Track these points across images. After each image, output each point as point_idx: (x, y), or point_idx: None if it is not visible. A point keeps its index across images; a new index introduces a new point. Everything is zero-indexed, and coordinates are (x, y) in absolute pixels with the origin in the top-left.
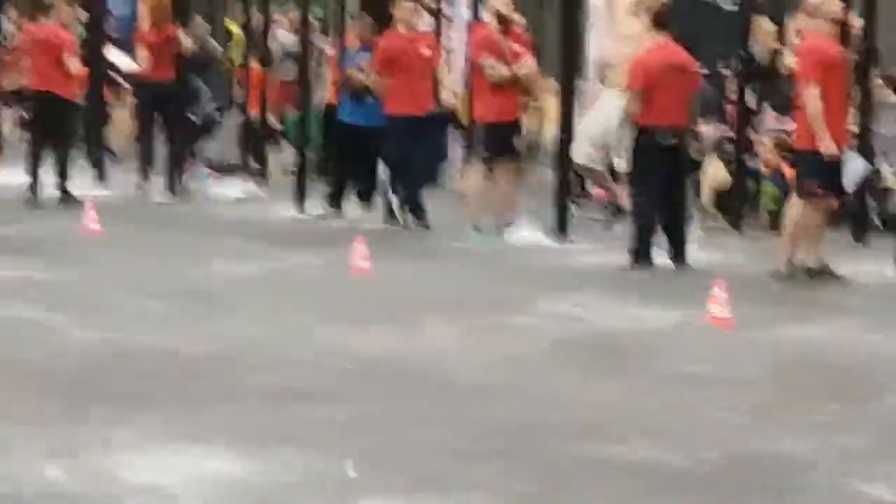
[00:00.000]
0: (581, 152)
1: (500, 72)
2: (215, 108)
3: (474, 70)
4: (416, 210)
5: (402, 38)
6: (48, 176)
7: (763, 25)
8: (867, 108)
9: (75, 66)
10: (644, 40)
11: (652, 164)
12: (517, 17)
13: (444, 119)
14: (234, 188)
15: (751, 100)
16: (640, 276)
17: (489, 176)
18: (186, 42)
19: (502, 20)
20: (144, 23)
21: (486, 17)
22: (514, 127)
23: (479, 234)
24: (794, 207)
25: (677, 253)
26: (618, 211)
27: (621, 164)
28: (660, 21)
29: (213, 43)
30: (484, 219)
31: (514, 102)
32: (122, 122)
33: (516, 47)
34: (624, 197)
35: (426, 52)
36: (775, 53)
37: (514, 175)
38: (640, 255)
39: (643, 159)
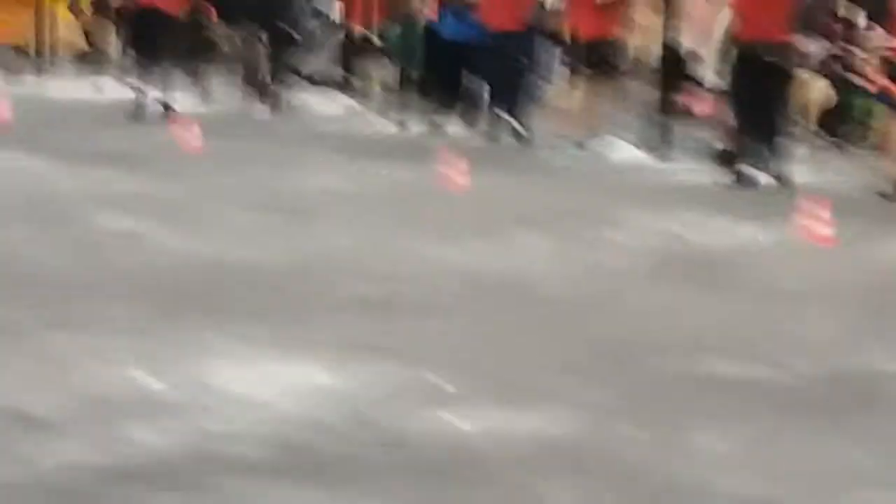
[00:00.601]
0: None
1: None
2: (317, 23)
3: None
4: (517, 123)
5: None
6: (153, 91)
7: None
8: None
9: None
10: None
11: (754, 80)
12: None
13: (543, 34)
14: (335, 103)
15: (857, 16)
16: (742, 193)
17: (590, 92)
18: None
19: None
20: None
21: None
22: (615, 44)
23: (580, 150)
24: None
25: (780, 170)
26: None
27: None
28: None
29: None
30: (585, 134)
31: (614, 19)
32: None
33: None
34: (724, 113)
35: None
36: None
37: (612, 92)
38: (742, 172)
39: (745, 75)
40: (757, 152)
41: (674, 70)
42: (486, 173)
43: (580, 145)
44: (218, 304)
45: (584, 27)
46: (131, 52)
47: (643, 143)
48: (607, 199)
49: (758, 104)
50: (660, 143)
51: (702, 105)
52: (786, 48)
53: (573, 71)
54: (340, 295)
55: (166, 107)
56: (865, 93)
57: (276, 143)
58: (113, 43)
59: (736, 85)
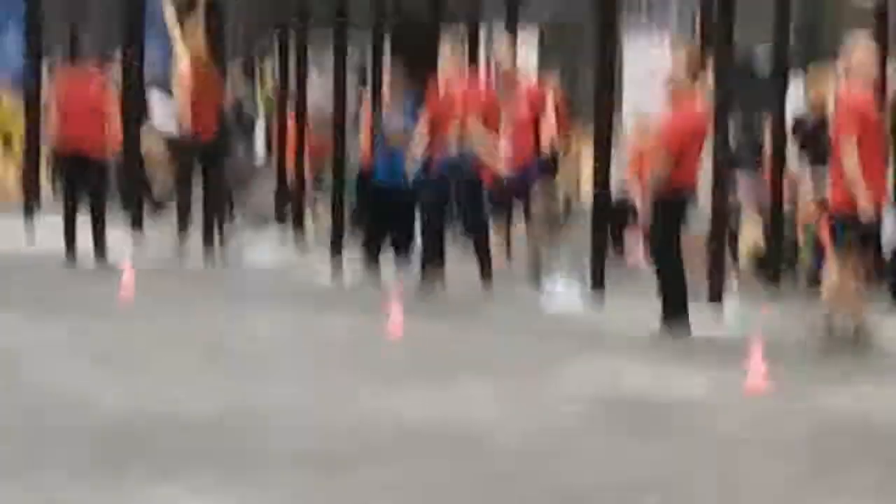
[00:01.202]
0: None
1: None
2: (252, 165)
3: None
4: (432, 268)
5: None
6: (85, 237)
7: (815, 92)
8: None
9: (114, 123)
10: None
11: (679, 226)
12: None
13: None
14: (267, 247)
15: (790, 160)
16: (678, 340)
17: (528, 236)
18: (227, 99)
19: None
20: (183, 75)
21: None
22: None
23: (517, 294)
24: (833, 267)
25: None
26: None
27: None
28: (695, 76)
29: (251, 99)
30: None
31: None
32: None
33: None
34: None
35: (458, 107)
36: (822, 112)
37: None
38: (677, 318)
39: (675, 221)
40: (683, 298)
41: (612, 214)
42: (423, 319)
43: (516, 290)
44: (159, 454)
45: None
46: (64, 197)
47: (581, 288)
48: (545, 344)
49: (676, 249)
50: (597, 287)
51: (638, 250)
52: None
53: (500, 215)
54: (278, 447)
55: (100, 253)
56: (797, 235)
57: (212, 290)
58: (46, 188)
59: (667, 231)
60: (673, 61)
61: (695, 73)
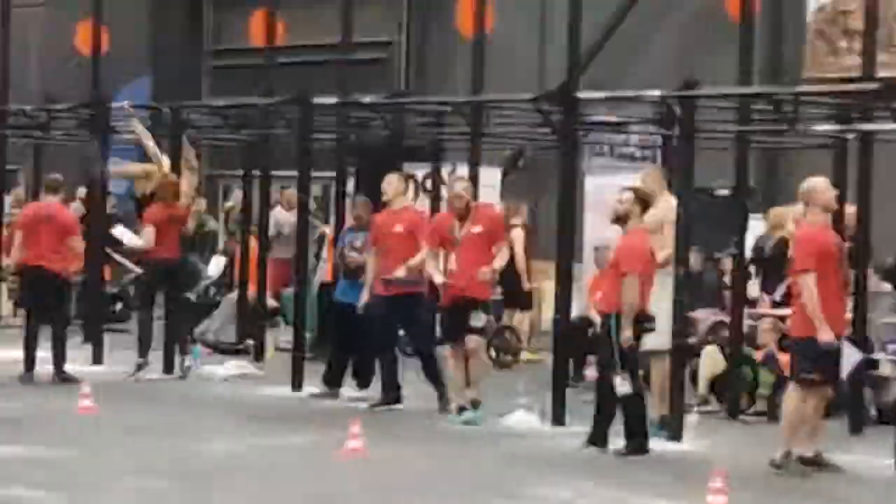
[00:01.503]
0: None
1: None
2: (213, 286)
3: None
4: (390, 389)
5: (383, 215)
6: (44, 354)
7: (774, 213)
8: (862, 298)
9: (78, 244)
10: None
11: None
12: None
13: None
14: (230, 367)
15: (750, 286)
16: (636, 461)
17: (461, 357)
18: (189, 220)
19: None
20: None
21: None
22: (473, 307)
23: (464, 415)
24: (792, 396)
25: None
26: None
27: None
28: (645, 206)
29: (213, 221)
30: (463, 399)
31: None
32: None
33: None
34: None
35: (398, 229)
36: (781, 241)
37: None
38: (635, 440)
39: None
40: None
41: (571, 338)
42: (383, 439)
43: (466, 409)
44: None
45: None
46: (23, 312)
47: (539, 410)
48: (503, 467)
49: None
50: (556, 409)
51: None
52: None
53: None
54: None
55: (59, 369)
56: (756, 361)
57: (171, 408)
58: (3, 303)
59: (625, 356)
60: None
61: (648, 200)
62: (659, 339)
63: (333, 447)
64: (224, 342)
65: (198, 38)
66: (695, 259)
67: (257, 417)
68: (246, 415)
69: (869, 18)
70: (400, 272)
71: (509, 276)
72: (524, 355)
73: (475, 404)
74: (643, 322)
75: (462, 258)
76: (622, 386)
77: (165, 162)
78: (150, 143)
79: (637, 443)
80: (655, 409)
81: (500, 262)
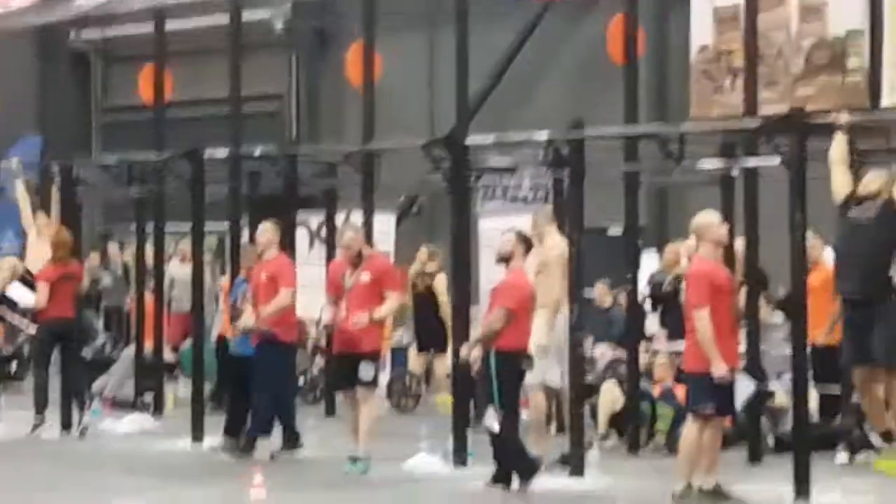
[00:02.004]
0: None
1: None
2: (108, 343)
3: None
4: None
5: (255, 266)
6: None
7: (669, 249)
8: (755, 329)
9: None
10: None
11: (516, 385)
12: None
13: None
14: (128, 422)
15: (649, 322)
16: (542, 498)
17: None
18: (84, 278)
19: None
20: (33, 257)
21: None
22: (368, 357)
23: (354, 464)
24: (689, 429)
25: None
26: None
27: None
28: (528, 247)
29: (107, 277)
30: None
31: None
32: None
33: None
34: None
35: (263, 277)
36: (677, 278)
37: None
38: (499, 472)
39: (512, 381)
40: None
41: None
42: (285, 488)
43: (356, 459)
44: None
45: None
46: None
47: (441, 452)
48: None
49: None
50: (458, 450)
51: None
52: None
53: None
54: None
55: None
56: (654, 395)
57: (71, 465)
58: None
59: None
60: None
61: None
62: (549, 374)
63: (237, 498)
64: (122, 397)
65: (87, 96)
66: (599, 293)
67: (158, 472)
68: (147, 470)
69: (750, 57)
70: (248, 321)
71: (429, 320)
72: (442, 397)
73: (358, 458)
74: (523, 359)
75: (351, 306)
76: (491, 420)
77: (43, 222)
78: (26, 210)
79: (501, 474)
80: (535, 444)
81: (384, 310)
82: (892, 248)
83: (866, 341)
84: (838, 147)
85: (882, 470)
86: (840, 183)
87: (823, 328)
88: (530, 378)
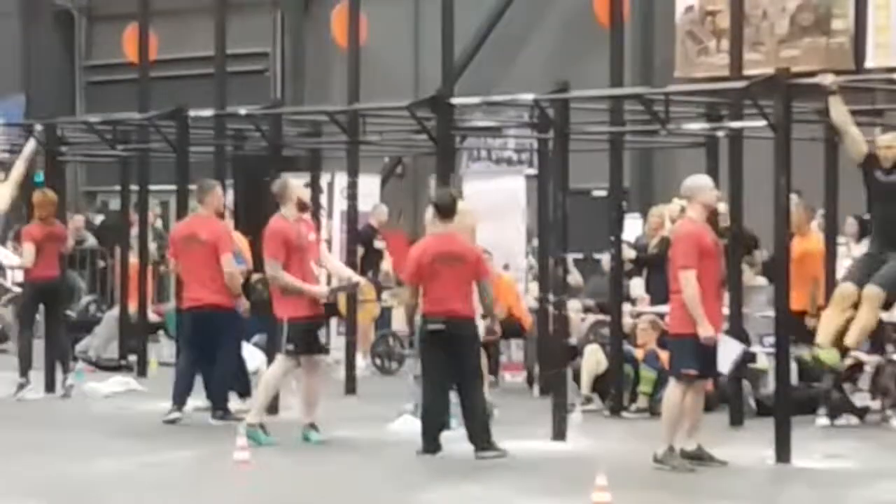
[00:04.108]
0: None
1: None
2: (93, 303)
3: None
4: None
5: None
6: None
7: (654, 212)
8: (738, 292)
9: None
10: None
11: (428, 352)
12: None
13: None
14: (112, 384)
15: (635, 285)
16: (520, 462)
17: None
18: (69, 238)
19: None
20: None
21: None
22: (319, 322)
23: (257, 434)
24: (672, 391)
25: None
26: None
27: None
28: (442, 212)
29: (92, 238)
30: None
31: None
32: None
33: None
34: None
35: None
36: (662, 240)
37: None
38: (427, 440)
39: (421, 347)
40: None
41: None
42: (269, 450)
43: (256, 429)
44: None
45: (282, 308)
46: None
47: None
48: (392, 473)
49: (436, 374)
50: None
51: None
52: (458, 319)
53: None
54: None
55: None
56: (636, 358)
57: (54, 427)
58: None
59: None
60: None
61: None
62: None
63: (221, 460)
64: (106, 359)
65: (70, 54)
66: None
67: (142, 434)
68: (130, 432)
69: (735, 18)
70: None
71: None
72: None
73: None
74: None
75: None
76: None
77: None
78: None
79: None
80: None
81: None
82: None
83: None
84: (836, 109)
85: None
86: (854, 142)
87: (800, 295)
88: None
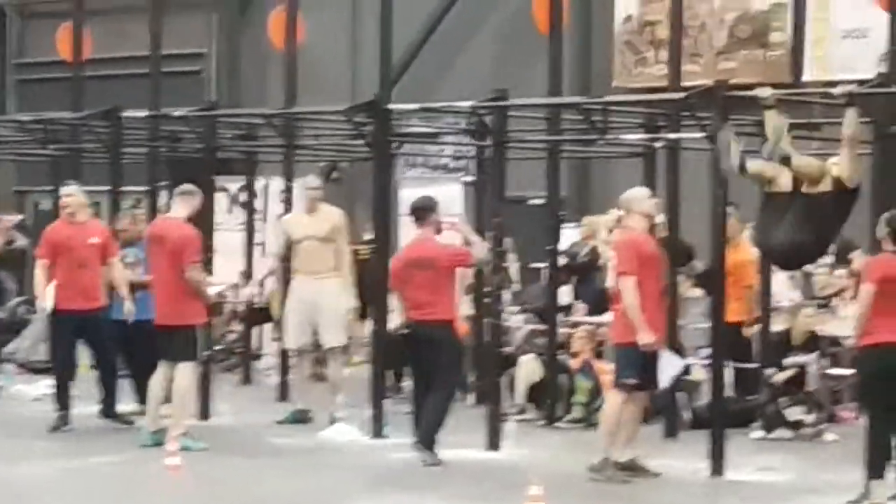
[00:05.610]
0: None
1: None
2: (23, 304)
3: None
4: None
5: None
6: None
7: (588, 221)
8: (673, 303)
9: None
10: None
11: (410, 354)
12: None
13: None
14: (41, 386)
15: (566, 294)
16: (456, 471)
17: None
18: None
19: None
20: None
21: None
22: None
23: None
24: (611, 401)
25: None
26: None
27: None
28: (415, 214)
29: (22, 238)
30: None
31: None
32: None
33: None
34: None
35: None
36: (594, 249)
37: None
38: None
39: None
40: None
41: (390, 349)
42: (200, 455)
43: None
44: None
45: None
46: None
47: (358, 422)
48: (325, 480)
49: (419, 376)
50: (375, 421)
51: None
52: (427, 324)
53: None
54: None
55: None
56: (572, 368)
57: None
58: None
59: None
60: None
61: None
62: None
63: (151, 465)
64: (35, 361)
65: (2, 51)
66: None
67: (70, 438)
68: (58, 436)
69: (674, 29)
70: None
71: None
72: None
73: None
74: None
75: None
76: None
77: None
78: None
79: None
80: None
81: None
82: None
83: None
84: (850, 120)
85: None
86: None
87: (736, 306)
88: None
